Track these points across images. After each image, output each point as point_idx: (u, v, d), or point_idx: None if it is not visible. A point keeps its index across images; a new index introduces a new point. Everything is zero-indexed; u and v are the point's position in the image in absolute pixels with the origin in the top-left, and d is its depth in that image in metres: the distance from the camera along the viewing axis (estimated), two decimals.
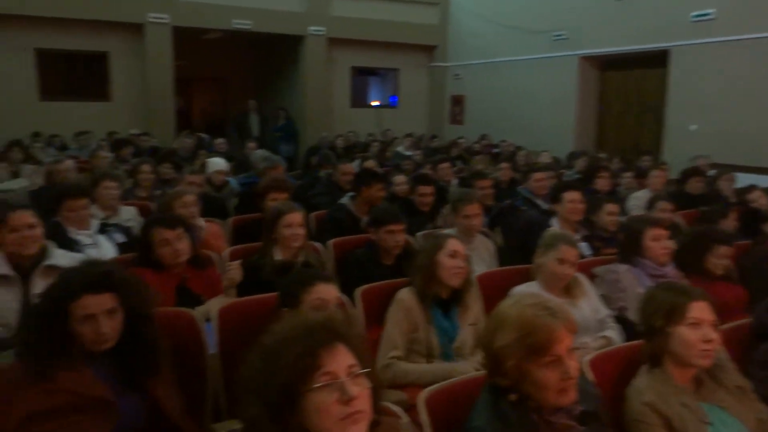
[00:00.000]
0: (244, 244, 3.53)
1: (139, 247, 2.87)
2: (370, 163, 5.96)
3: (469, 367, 2.35)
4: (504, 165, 6.01)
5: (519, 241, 3.86)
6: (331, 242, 3.55)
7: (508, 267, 3.17)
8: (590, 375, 1.92)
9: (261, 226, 3.80)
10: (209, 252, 3.18)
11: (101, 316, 1.75)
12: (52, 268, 2.51)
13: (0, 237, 2.51)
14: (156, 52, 10.47)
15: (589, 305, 2.80)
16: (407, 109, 13.27)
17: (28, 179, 6.70)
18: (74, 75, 10.74)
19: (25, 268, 2.52)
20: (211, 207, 4.39)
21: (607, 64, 9.83)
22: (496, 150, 9.74)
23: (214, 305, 2.51)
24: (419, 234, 3.86)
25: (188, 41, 11.37)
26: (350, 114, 12.66)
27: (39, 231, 2.55)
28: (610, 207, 3.86)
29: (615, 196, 5.33)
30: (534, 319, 1.47)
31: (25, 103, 9.85)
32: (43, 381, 1.71)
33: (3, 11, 9.31)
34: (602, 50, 9.45)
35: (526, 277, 2.99)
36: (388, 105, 13.40)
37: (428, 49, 13.19)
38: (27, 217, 2.53)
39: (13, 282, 2.47)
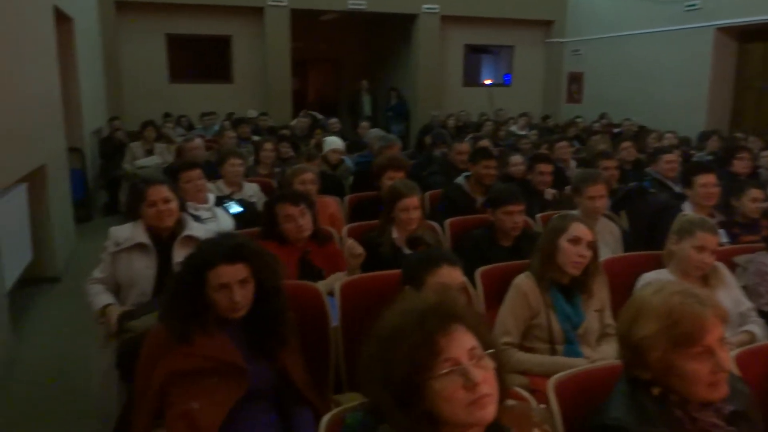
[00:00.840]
0: (360, 222, 3.57)
1: (264, 221, 2.98)
2: (485, 143, 5.83)
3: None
4: (627, 144, 5.65)
5: (647, 226, 3.63)
6: (447, 222, 3.51)
7: (635, 253, 2.98)
8: (737, 372, 1.76)
9: (377, 205, 3.87)
10: (329, 228, 3.25)
11: (235, 285, 1.83)
12: (190, 238, 2.67)
13: (140, 211, 2.69)
14: (274, 35, 10.83)
15: (728, 296, 2.58)
16: (521, 88, 12.87)
17: (161, 156, 7.21)
18: (200, 58, 11.36)
19: (162, 239, 2.69)
20: (329, 185, 4.48)
21: (747, 36, 8.96)
22: (617, 130, 9.23)
23: (335, 280, 2.56)
24: (538, 216, 3.74)
25: (304, 23, 11.66)
26: (462, 93, 12.48)
27: (174, 205, 2.70)
28: (755, 192, 3.52)
29: (756, 179, 4.88)
30: (681, 307, 1.36)
31: (158, 86, 10.57)
32: (183, 344, 1.83)
33: None
34: (742, 20, 8.61)
35: (655, 263, 2.80)
36: (501, 83, 13.06)
37: (545, 25, 12.68)
38: (163, 191, 2.68)
39: (150, 251, 2.64)
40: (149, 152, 7.24)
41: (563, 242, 2.37)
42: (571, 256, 2.35)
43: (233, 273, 1.84)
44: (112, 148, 7.75)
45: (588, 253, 2.39)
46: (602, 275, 2.58)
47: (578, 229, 2.40)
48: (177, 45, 10.86)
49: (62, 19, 6.13)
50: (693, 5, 9.29)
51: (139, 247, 2.62)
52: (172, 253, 2.64)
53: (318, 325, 2.26)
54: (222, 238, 1.96)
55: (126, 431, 1.99)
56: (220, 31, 10.95)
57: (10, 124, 4.02)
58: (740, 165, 4.93)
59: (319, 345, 2.22)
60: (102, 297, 2.56)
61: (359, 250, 2.63)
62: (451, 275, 1.99)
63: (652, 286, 1.47)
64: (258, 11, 10.76)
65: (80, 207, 6.62)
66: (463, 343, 1.21)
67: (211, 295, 1.85)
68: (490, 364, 1.22)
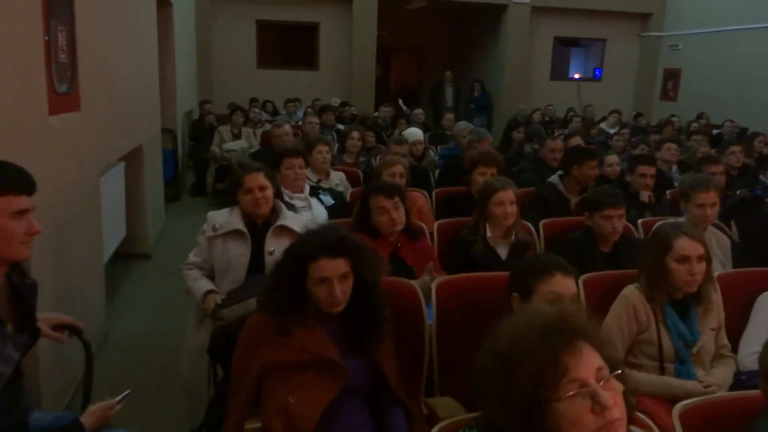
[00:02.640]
0: (449, 218, 3.48)
1: (357, 213, 2.95)
2: (577, 140, 5.60)
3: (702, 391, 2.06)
4: (735, 148, 5.27)
5: (760, 237, 3.36)
6: (542, 223, 3.37)
7: (752, 268, 2.75)
8: None
9: (467, 201, 3.77)
10: (420, 223, 3.18)
11: (335, 280, 1.80)
12: (283, 228, 2.66)
13: (237, 197, 2.70)
14: (361, 23, 10.83)
15: None
16: (611, 83, 12.34)
17: (247, 141, 7.36)
18: (288, 44, 11.54)
19: (257, 226, 2.69)
20: (416, 178, 4.42)
21: None
22: (716, 131, 8.68)
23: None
24: (640, 221, 3.53)
25: (391, 11, 11.60)
26: (549, 87, 12.10)
27: (270, 192, 2.70)
28: None
29: None
30: None
31: (246, 71, 10.81)
32: (283, 335, 1.81)
33: None
34: None
35: None
36: (591, 78, 12.56)
37: (641, 17, 12.08)
38: (260, 178, 2.67)
39: (245, 239, 2.65)
40: (237, 136, 7.41)
41: (671, 263, 2.20)
42: (683, 276, 2.18)
43: (334, 267, 1.81)
44: (201, 131, 7.98)
45: (701, 269, 2.21)
46: (717, 290, 2.39)
47: (685, 246, 2.21)
48: (266, 31, 11.07)
49: (163, 3, 6.33)
50: None
51: (235, 233, 2.63)
52: (264, 242, 2.64)
53: (414, 325, 2.20)
54: (324, 230, 1.93)
55: (218, 413, 2.00)
56: (308, 18, 11.07)
57: (117, 106, 4.17)
58: None
59: (414, 345, 2.17)
60: (201, 283, 2.60)
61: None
62: (565, 285, 1.88)
63: None
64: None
65: (169, 186, 6.85)
66: (590, 362, 1.11)
67: (311, 288, 1.83)
68: (618, 386, 1.12)
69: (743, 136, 7.68)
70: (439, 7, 12.48)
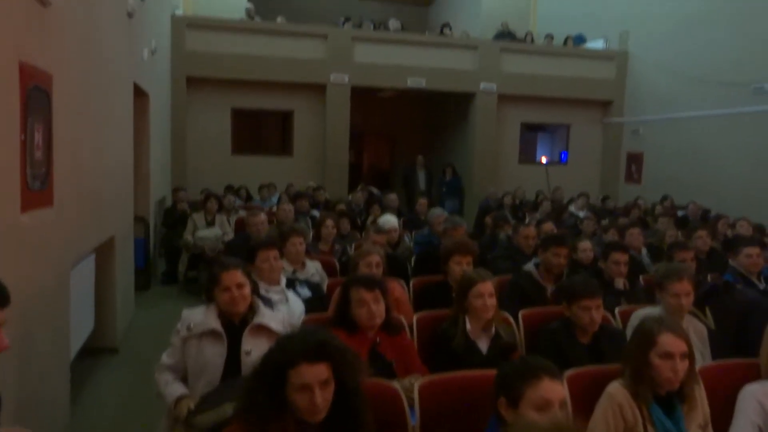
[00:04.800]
0: (427, 309, 3.45)
1: (336, 306, 2.90)
2: (549, 225, 5.69)
3: None
4: (701, 233, 5.41)
5: (735, 326, 3.39)
6: (521, 314, 3.36)
7: (733, 360, 2.74)
8: None
9: (444, 290, 3.76)
10: (400, 317, 3.14)
11: (316, 387, 1.74)
12: (261, 327, 2.60)
13: (213, 294, 2.65)
14: (335, 110, 11.13)
15: None
16: (577, 166, 12.75)
17: (221, 228, 7.32)
18: (262, 132, 11.74)
19: (233, 324, 2.62)
20: (393, 267, 4.39)
21: None
22: (681, 213, 8.93)
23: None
24: (617, 310, 3.55)
25: (362, 98, 11.97)
26: (518, 170, 12.44)
27: (248, 290, 2.65)
28: None
29: None
30: None
31: (220, 158, 10.91)
32: None
33: (208, 75, 10.49)
34: None
35: (756, 372, 2.58)
36: (558, 161, 12.98)
37: (603, 104, 12.67)
38: (237, 276, 2.63)
39: (221, 339, 2.57)
40: (210, 223, 7.36)
41: (654, 359, 2.21)
42: (665, 372, 2.18)
43: (315, 373, 1.75)
44: (174, 218, 7.92)
45: (683, 366, 2.22)
46: (701, 386, 2.38)
47: (669, 342, 2.22)
48: (241, 119, 11.26)
49: (139, 94, 6.43)
50: (761, 87, 9.11)
51: (211, 333, 2.56)
52: (241, 341, 2.57)
53: (396, 427, 2.12)
54: (304, 333, 1.88)
55: None
56: (283, 106, 11.34)
57: (90, 198, 4.14)
58: None
59: None
60: (173, 387, 2.50)
61: None
62: (554, 390, 1.84)
63: None
64: (320, 88, 11.12)
65: (140, 275, 6.71)
66: None
67: (291, 396, 1.76)
68: None
69: (707, 219, 7.92)
70: (409, 95, 12.93)
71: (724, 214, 7.31)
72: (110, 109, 4.90)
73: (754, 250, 4.30)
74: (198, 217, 7.35)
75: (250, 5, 12.09)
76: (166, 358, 2.61)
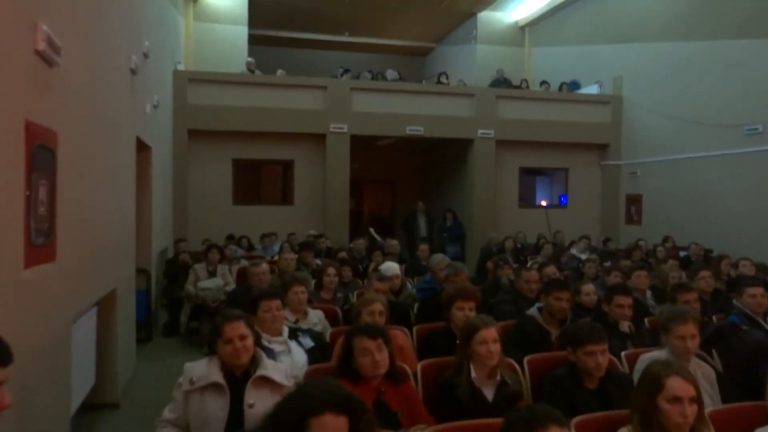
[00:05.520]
0: (431, 357, 3.42)
1: (339, 355, 2.88)
2: (551, 269, 5.68)
3: None
4: (704, 274, 5.39)
5: (744, 368, 3.35)
6: (526, 360, 3.33)
7: (742, 403, 2.71)
8: None
9: (447, 337, 3.73)
10: (404, 365, 3.11)
11: None
12: (264, 379, 2.58)
13: (216, 346, 2.63)
14: (334, 159, 11.26)
15: None
16: (578, 209, 12.81)
17: (223, 278, 7.30)
18: (263, 181, 11.84)
19: (236, 377, 2.60)
20: (395, 314, 4.37)
21: None
22: (683, 254, 8.92)
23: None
24: (623, 354, 3.51)
25: (362, 146, 12.13)
26: (518, 214, 12.49)
27: (250, 341, 2.64)
28: None
29: None
30: None
31: (222, 208, 10.97)
32: None
33: (208, 128, 10.66)
34: None
35: (766, 415, 2.54)
36: (558, 204, 13.04)
37: (600, 148, 12.81)
38: (240, 327, 2.62)
39: (223, 392, 2.55)
40: (212, 274, 7.34)
41: (663, 403, 2.19)
42: (675, 417, 2.16)
43: (337, 425, 1.72)
44: (176, 269, 7.92)
45: (692, 411, 2.19)
46: (711, 430, 2.34)
47: (677, 386, 2.21)
48: (242, 169, 11.38)
49: (142, 147, 6.52)
50: (755, 129, 9.24)
51: (213, 386, 2.53)
52: (244, 394, 2.54)
53: None
54: (327, 384, 1.84)
55: None
56: (283, 156, 11.47)
57: (92, 252, 4.15)
58: None
59: None
60: None
61: None
62: None
63: None
64: (320, 137, 11.28)
65: (141, 327, 6.66)
66: None
67: None
68: None
69: (710, 260, 7.91)
70: (408, 142, 13.10)
71: (726, 255, 7.30)
72: (113, 164, 4.97)
73: (758, 290, 4.27)
74: (200, 268, 7.34)
75: (250, 59, 12.36)
76: (168, 413, 2.58)
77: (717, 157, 9.98)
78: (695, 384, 2.27)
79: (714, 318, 4.44)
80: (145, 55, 6.46)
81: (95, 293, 4.39)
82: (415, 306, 4.99)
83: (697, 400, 2.23)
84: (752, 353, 3.33)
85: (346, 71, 12.81)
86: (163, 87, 8.98)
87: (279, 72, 12.04)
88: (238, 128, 10.81)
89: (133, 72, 5.69)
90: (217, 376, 2.56)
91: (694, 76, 10.56)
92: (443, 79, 13.45)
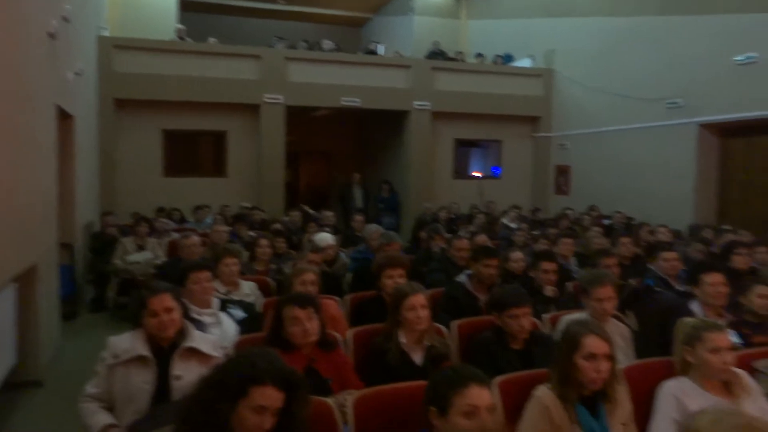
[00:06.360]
0: (363, 325, 3.46)
1: (270, 325, 2.88)
2: (482, 238, 5.83)
3: None
4: (625, 240, 5.66)
5: (657, 326, 3.55)
6: (455, 324, 3.42)
7: (653, 359, 2.88)
8: None
9: (379, 305, 3.78)
10: (335, 333, 3.14)
11: (269, 413, 1.72)
12: (192, 350, 2.55)
13: (141, 319, 2.58)
14: (269, 130, 11.06)
15: (754, 406, 2.48)
16: (510, 180, 13.11)
17: (152, 252, 7.11)
18: (195, 153, 11.51)
19: (162, 349, 2.56)
20: (328, 284, 4.40)
21: (729, 132, 9.28)
22: (606, 222, 9.32)
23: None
24: (545, 316, 3.66)
25: (298, 118, 11.95)
26: (452, 185, 12.67)
27: (177, 314, 2.60)
28: (762, 289, 3.49)
29: (754, 274, 4.88)
30: None
31: (152, 180, 10.62)
32: None
33: (136, 96, 10.24)
34: (723, 117, 8.94)
35: (673, 369, 2.72)
36: (491, 176, 13.31)
37: (532, 120, 13.10)
38: (166, 300, 2.59)
39: (149, 364, 2.51)
40: (141, 247, 7.14)
41: (579, 360, 2.31)
42: (589, 373, 2.28)
43: (276, 398, 1.75)
44: (102, 243, 7.64)
45: (606, 367, 2.32)
46: (623, 384, 2.48)
47: (592, 344, 2.33)
48: (173, 140, 11.01)
49: (64, 116, 6.21)
50: (674, 103, 9.66)
51: (139, 359, 2.49)
52: (171, 366, 2.51)
53: None
54: (275, 358, 1.85)
55: None
56: (216, 127, 11.17)
57: (8, 224, 3.96)
58: (739, 260, 4.93)
59: None
60: (99, 416, 2.41)
61: None
62: (481, 396, 1.88)
63: (709, 416, 1.38)
64: (254, 108, 11.03)
65: (67, 304, 6.43)
66: None
67: (243, 413, 1.72)
68: None
69: (631, 227, 8.29)
70: (344, 114, 13.01)
71: (645, 222, 7.67)
72: (30, 133, 4.72)
73: (671, 255, 4.54)
74: (128, 242, 7.13)
75: (180, 26, 11.90)
76: (90, 388, 2.52)
77: (640, 130, 10.40)
78: (609, 342, 2.39)
79: (631, 281, 4.67)
80: (66, 19, 6.12)
81: (13, 269, 4.19)
82: (349, 276, 5.02)
83: (611, 357, 2.36)
84: (664, 313, 3.53)
85: (280, 39, 12.54)
86: (86, 54, 8.54)
87: (211, 40, 11.64)
88: (168, 98, 10.43)
89: (52, 37, 5.38)
90: (143, 349, 2.52)
91: (621, 51, 10.90)
92: (375, 49, 13.37)
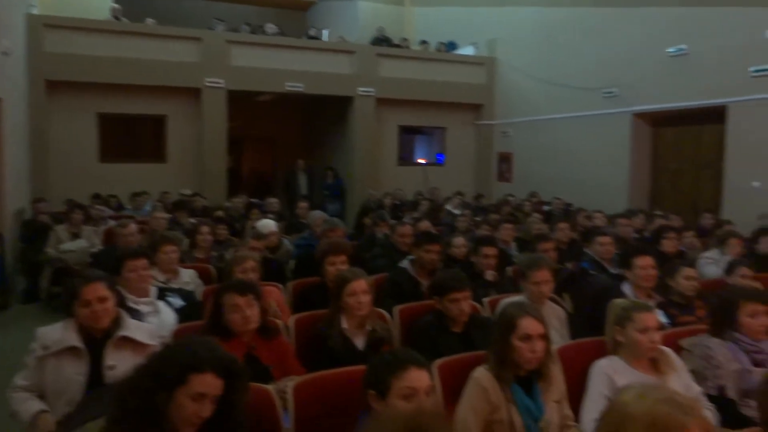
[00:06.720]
0: (306, 311, 3.45)
1: (209, 312, 2.83)
2: (425, 224, 5.88)
3: None
4: (562, 225, 5.83)
5: (591, 308, 3.68)
6: (396, 309, 3.45)
7: (585, 339, 2.99)
8: None
9: (322, 291, 3.78)
10: (276, 320, 3.11)
11: (208, 400, 1.71)
12: (126, 339, 2.48)
13: (73, 309, 2.49)
14: (211, 115, 10.81)
15: (679, 382, 2.60)
16: (454, 167, 13.28)
17: (88, 240, 6.87)
18: (133, 137, 11.14)
19: (95, 339, 2.48)
20: (270, 271, 4.36)
21: (661, 121, 9.66)
22: (546, 208, 9.58)
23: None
24: (485, 300, 3.74)
25: (241, 103, 11.73)
26: (397, 172, 12.73)
27: (111, 304, 2.52)
28: (688, 271, 3.66)
29: (682, 258, 5.12)
30: (666, 417, 1.33)
31: (86, 165, 10.22)
32: None
33: (69, 78, 9.80)
34: (655, 106, 9.30)
35: (605, 348, 2.83)
36: (435, 162, 13.44)
37: (475, 108, 13.27)
38: (99, 289, 2.50)
39: (81, 355, 2.43)
40: (75, 236, 6.88)
41: (515, 341, 2.36)
42: (525, 353, 2.34)
43: (216, 386, 1.73)
44: (34, 231, 7.33)
45: (541, 347, 2.38)
46: (557, 364, 2.57)
47: (527, 325, 2.38)
48: (109, 124, 10.62)
49: None
50: (611, 92, 9.98)
51: (70, 350, 2.40)
52: (104, 356, 2.43)
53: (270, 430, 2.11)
54: (216, 347, 1.82)
55: None
56: (154, 110, 10.82)
57: None
58: (668, 244, 5.15)
59: None
60: (30, 403, 2.32)
61: None
62: (419, 378, 1.90)
63: (634, 391, 1.44)
64: (195, 92, 10.75)
65: None
66: None
67: (181, 400, 1.69)
68: None
69: (569, 213, 8.55)
70: (288, 99, 12.85)
71: (583, 208, 7.92)
72: None
73: (606, 239, 4.70)
74: (61, 230, 6.86)
75: (116, 5, 11.45)
76: (20, 380, 2.42)
77: (578, 119, 10.70)
78: (544, 322, 2.46)
79: (568, 265, 4.82)
80: None
81: None
82: (292, 262, 4.99)
83: (546, 337, 2.43)
84: (597, 295, 3.66)
85: (221, 21, 12.24)
86: (13, 32, 8.13)
87: (148, 20, 11.26)
88: (104, 80, 10.03)
89: None
90: (74, 340, 2.44)
91: (560, 41, 11.16)
92: (316, 34, 13.24)
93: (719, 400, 2.65)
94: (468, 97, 13.00)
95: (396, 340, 3.31)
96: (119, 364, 2.39)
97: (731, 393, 2.62)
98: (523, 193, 11.06)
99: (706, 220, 7.39)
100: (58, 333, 2.44)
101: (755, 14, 7.81)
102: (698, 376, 2.75)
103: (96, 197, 9.19)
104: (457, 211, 9.08)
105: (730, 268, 4.09)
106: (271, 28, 12.70)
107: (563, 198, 9.97)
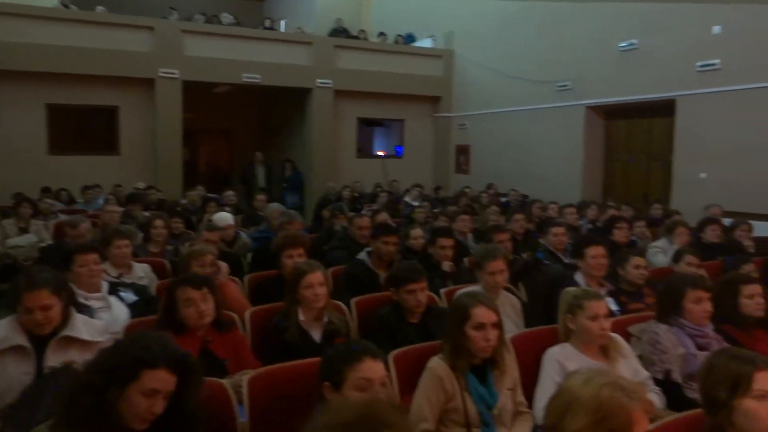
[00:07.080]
0: (263, 305, 3.43)
1: (162, 307, 2.79)
2: (383, 216, 5.90)
3: None
4: (518, 216, 5.93)
5: (544, 297, 3.77)
6: (353, 301, 3.46)
7: (538, 327, 3.06)
8: None
9: (279, 285, 3.75)
10: (231, 313, 3.08)
11: (161, 396, 1.68)
12: (70, 339, 2.41)
13: (17, 308, 2.41)
14: (165, 106, 10.59)
15: (628, 367, 2.69)
16: (412, 159, 13.33)
17: (37, 235, 6.66)
18: (83, 129, 10.82)
19: (42, 337, 2.40)
20: (227, 264, 4.30)
21: (613, 114, 9.90)
22: (504, 199, 9.71)
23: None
24: (442, 291, 3.78)
25: (196, 94, 11.51)
26: (356, 164, 12.71)
27: (55, 311, 2.40)
28: (637, 260, 3.77)
29: (633, 247, 5.27)
30: (610, 401, 1.38)
31: (35, 158, 9.89)
32: None
33: (15, 68, 9.46)
34: (607, 100, 9.53)
35: (557, 336, 2.90)
36: (394, 155, 13.47)
37: (433, 100, 13.34)
38: (42, 298, 2.37)
39: (27, 353, 2.35)
40: (24, 230, 6.67)
41: (469, 330, 2.39)
42: (479, 342, 2.38)
43: (168, 382, 1.71)
44: None
45: (494, 335, 2.42)
46: (510, 352, 2.62)
47: (481, 314, 2.42)
48: (58, 115, 10.28)
49: None
50: (564, 86, 10.17)
51: (15, 349, 2.32)
52: (44, 357, 2.35)
53: (225, 425, 2.09)
54: (169, 342, 1.79)
55: None
56: (106, 101, 10.52)
57: None
58: (620, 234, 5.30)
59: None
60: None
61: None
62: (374, 369, 1.92)
63: (581, 376, 1.48)
64: (148, 82, 10.51)
65: None
66: None
67: (132, 397, 1.66)
68: None
69: (525, 204, 8.69)
70: (245, 91, 12.67)
71: (538, 200, 8.07)
72: None
73: (560, 230, 4.81)
74: (8, 224, 6.63)
75: None
76: None
77: (533, 111, 10.88)
78: (497, 311, 2.50)
79: (523, 255, 4.91)
80: None
81: None
82: (249, 256, 4.94)
83: (499, 325, 2.47)
84: (551, 284, 3.75)
85: (173, 9, 11.98)
86: None
87: (98, 8, 10.95)
88: (52, 69, 9.72)
89: None
90: (20, 338, 2.35)
91: (515, 34, 11.31)
92: (273, 25, 13.09)
93: (665, 384, 2.75)
94: (426, 90, 13.06)
95: (353, 332, 3.32)
96: None
97: (677, 376, 2.72)
98: (481, 185, 11.18)
99: (656, 210, 7.61)
100: (3, 331, 2.36)
101: (704, 11, 8.07)
102: (646, 360, 2.85)
103: (45, 191, 8.91)
104: (415, 203, 9.13)
105: (676, 257, 4.23)
106: (226, 17, 12.51)
107: (520, 190, 10.13)
